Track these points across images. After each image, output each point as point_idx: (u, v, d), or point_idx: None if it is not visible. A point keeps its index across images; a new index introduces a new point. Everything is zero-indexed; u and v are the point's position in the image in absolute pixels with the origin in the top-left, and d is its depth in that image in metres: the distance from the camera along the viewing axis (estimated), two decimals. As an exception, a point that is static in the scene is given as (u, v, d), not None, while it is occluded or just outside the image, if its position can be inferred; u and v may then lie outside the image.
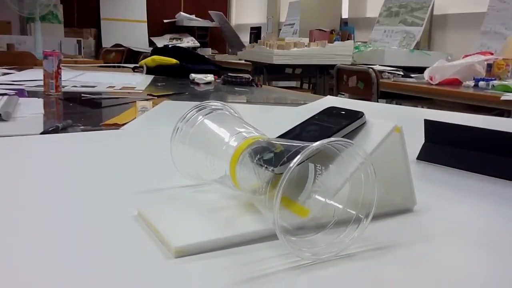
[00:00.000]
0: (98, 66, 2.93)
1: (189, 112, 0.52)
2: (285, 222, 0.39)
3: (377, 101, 2.60)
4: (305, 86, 4.44)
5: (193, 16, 6.59)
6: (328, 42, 3.55)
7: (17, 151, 0.71)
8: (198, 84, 1.87)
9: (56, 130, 0.86)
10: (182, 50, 2.36)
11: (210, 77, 1.91)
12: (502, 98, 2.03)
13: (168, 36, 6.55)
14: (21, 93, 1.35)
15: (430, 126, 0.71)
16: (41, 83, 1.40)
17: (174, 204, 0.49)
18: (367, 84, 2.69)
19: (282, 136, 0.49)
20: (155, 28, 6.55)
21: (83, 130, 0.89)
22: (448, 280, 0.37)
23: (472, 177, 0.65)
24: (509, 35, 3.06)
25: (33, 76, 1.75)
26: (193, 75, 1.92)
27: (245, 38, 5.65)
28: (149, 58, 2.21)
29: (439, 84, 2.48)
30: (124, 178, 0.60)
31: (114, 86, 1.63)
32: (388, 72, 2.85)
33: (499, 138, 0.66)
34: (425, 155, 0.71)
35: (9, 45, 3.55)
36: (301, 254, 0.37)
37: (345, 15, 5.04)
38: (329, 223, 0.41)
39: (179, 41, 6.39)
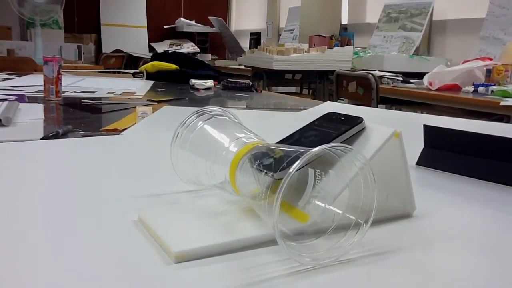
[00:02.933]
0: (98, 72, 2.94)
1: (189, 118, 0.52)
2: (285, 227, 0.39)
3: (377, 107, 2.61)
4: (305, 91, 4.45)
5: (193, 22, 6.61)
6: (327, 48, 3.56)
7: (17, 156, 0.72)
8: (198, 89, 1.87)
9: (56, 136, 0.86)
10: (182, 55, 2.37)
11: (210, 83, 1.92)
12: (502, 103, 2.04)
13: (168, 41, 6.56)
14: (21, 98, 1.35)
15: (430, 132, 0.72)
16: (41, 88, 1.40)
17: (174, 209, 0.49)
18: (366, 90, 2.70)
19: (281, 142, 0.49)
20: (155, 33, 6.57)
21: (83, 136, 0.89)
22: (448, 286, 0.37)
23: (471, 182, 0.65)
24: (508, 41, 3.07)
25: (33, 82, 1.75)
26: (193, 81, 1.93)
27: (245, 43, 5.66)
28: (149, 64, 2.22)
29: (438, 89, 2.48)
30: (124, 183, 0.60)
31: (114, 92, 1.63)
32: (388, 78, 2.86)
33: (499, 143, 0.66)
34: (425, 161, 0.71)
35: (9, 51, 3.55)
36: (300, 259, 0.37)
37: (344, 20, 5.06)
38: (329, 228, 0.41)
39: (179, 46, 6.41)
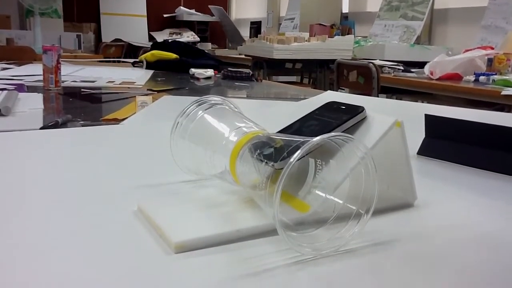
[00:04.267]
0: (97, 61, 2.93)
1: (189, 107, 0.52)
2: (285, 217, 0.39)
3: (378, 96, 2.60)
4: (306, 81, 4.43)
5: (193, 11, 6.58)
6: (328, 37, 3.54)
7: (16, 146, 0.71)
8: (198, 79, 1.86)
9: (55, 125, 0.85)
10: (182, 44, 2.36)
11: (210, 72, 1.91)
12: (503, 93, 2.03)
13: (168, 30, 6.53)
14: (20, 88, 1.34)
15: (431, 121, 0.71)
16: (41, 78, 1.39)
17: (174, 199, 0.49)
18: (367, 79, 2.69)
19: (282, 131, 0.49)
20: (155, 22, 6.54)
21: (82, 125, 0.89)
22: (448, 276, 0.37)
23: (472, 172, 0.65)
24: (510, 30, 3.05)
25: (33, 71, 1.74)
26: (193, 70, 1.92)
27: (245, 32, 5.63)
28: (149, 53, 2.21)
29: (439, 79, 2.47)
30: (124, 173, 0.60)
31: (114, 81, 1.62)
32: (389, 67, 2.85)
33: (500, 132, 0.66)
34: (426, 150, 0.71)
35: (8, 40, 3.54)
36: (301, 249, 0.37)
37: (345, 9, 5.03)
38: (330, 218, 0.41)
39: (179, 35, 6.38)
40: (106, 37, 6.00)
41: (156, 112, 1.09)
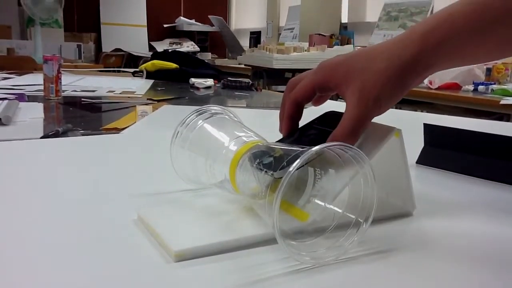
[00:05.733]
0: (98, 71, 2.93)
1: (189, 117, 0.52)
2: (285, 226, 0.39)
3: (377, 105, 2.60)
4: (305, 90, 4.42)
5: (193, 21, 6.60)
6: (327, 47, 3.56)
7: (17, 155, 0.72)
8: (198, 88, 1.87)
9: (56, 135, 0.86)
10: (182, 54, 2.37)
11: (210, 82, 1.92)
12: (501, 102, 2.04)
13: (168, 40, 6.55)
14: (21, 97, 1.35)
15: (430, 130, 0.72)
16: (41, 87, 1.40)
17: (174, 208, 0.49)
18: (366, 88, 2.69)
19: (281, 141, 0.49)
20: (155, 32, 6.56)
21: (83, 135, 0.89)
22: (447, 285, 0.37)
23: (471, 181, 0.65)
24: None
25: (33, 81, 1.75)
26: (193, 80, 1.92)
27: (245, 42, 5.65)
28: (149, 63, 2.22)
29: (438, 88, 2.48)
30: (124, 182, 0.60)
31: (114, 91, 1.63)
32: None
33: (499, 142, 0.66)
34: (425, 159, 0.71)
35: (9, 50, 3.55)
36: (300, 258, 0.37)
37: (344, 19, 5.05)
38: (329, 227, 0.41)
39: (179, 45, 6.40)
40: (107, 47, 6.02)
41: (156, 122, 1.09)
